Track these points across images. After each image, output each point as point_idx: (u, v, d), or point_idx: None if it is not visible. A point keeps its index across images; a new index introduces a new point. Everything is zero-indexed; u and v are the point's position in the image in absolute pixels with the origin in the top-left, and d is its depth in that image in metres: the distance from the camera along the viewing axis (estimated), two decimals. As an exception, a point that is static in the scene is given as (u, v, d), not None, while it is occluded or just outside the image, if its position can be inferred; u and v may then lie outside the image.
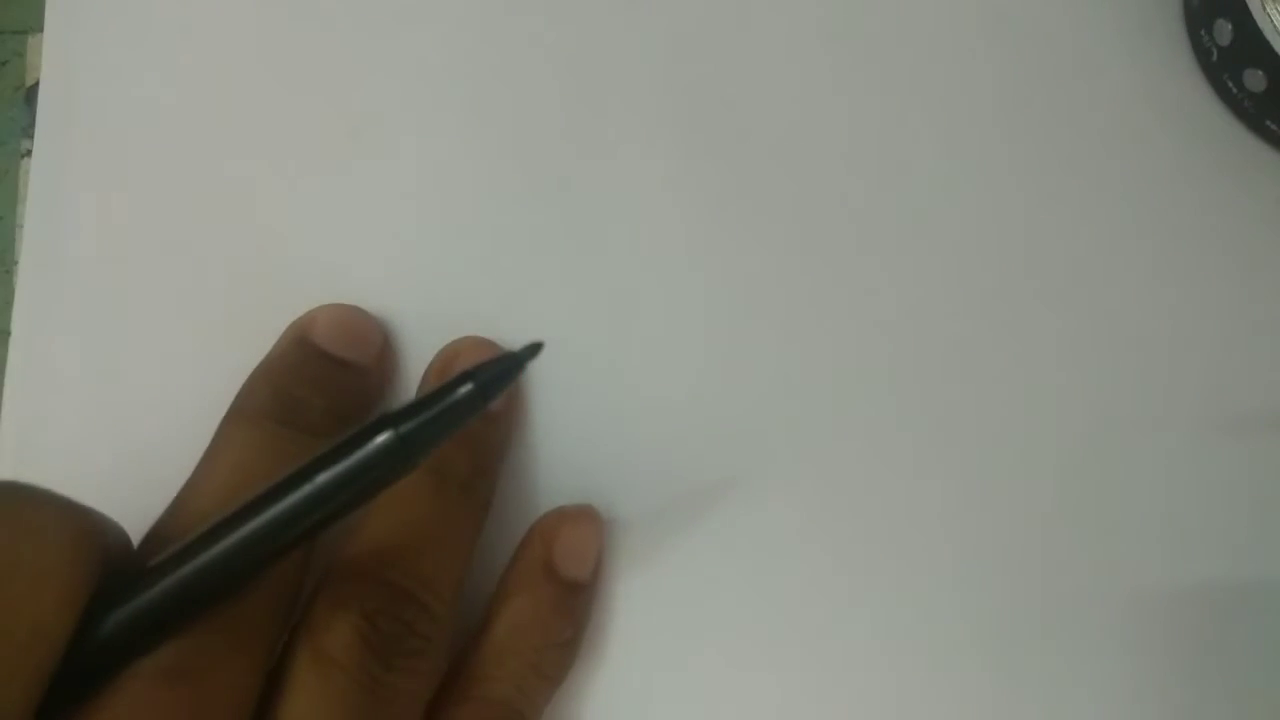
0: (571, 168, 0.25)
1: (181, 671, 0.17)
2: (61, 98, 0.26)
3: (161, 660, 0.17)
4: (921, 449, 0.24)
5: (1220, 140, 0.25)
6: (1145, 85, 0.25)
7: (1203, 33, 0.24)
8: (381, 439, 0.18)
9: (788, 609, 0.24)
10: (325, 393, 0.22)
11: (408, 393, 0.25)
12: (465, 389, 0.18)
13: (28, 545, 0.17)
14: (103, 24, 0.26)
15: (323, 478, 0.18)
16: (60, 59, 0.26)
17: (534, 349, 0.18)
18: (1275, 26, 0.22)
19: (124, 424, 0.25)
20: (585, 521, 0.23)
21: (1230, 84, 0.24)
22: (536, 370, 0.24)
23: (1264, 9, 0.22)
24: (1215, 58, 0.24)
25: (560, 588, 0.22)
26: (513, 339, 0.24)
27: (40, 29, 0.26)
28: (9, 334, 0.25)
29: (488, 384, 0.18)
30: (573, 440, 0.24)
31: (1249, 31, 0.22)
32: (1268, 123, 0.24)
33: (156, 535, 0.20)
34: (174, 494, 0.21)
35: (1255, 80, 0.23)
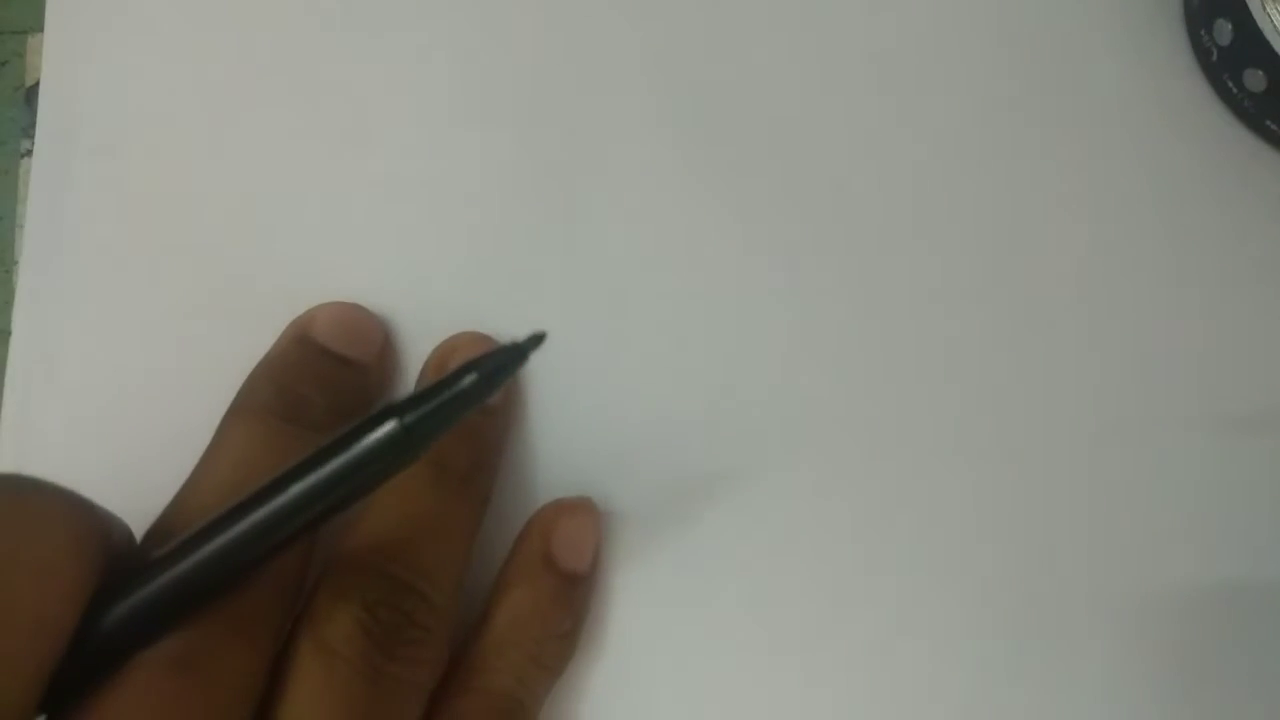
0: (571, 165, 0.25)
1: (186, 661, 0.17)
2: (61, 98, 0.26)
3: (166, 650, 0.17)
4: (924, 444, 0.24)
5: (1220, 140, 0.25)
6: (1145, 85, 0.25)
7: (1203, 33, 0.24)
8: (386, 429, 0.17)
9: (785, 601, 0.24)
10: (326, 390, 0.22)
11: (408, 390, 0.25)
12: (469, 379, 0.18)
13: (32, 537, 0.17)
14: (103, 24, 0.26)
15: (327, 468, 0.18)
16: (60, 59, 0.26)
17: (537, 339, 0.18)
18: (1275, 26, 0.22)
19: (124, 424, 0.25)
20: (583, 513, 0.23)
21: (1230, 84, 0.24)
22: (536, 365, 0.24)
23: (1264, 9, 0.22)
24: (1215, 58, 0.24)
25: (559, 579, 0.23)
26: (512, 335, 0.24)
27: (40, 29, 0.26)
28: (9, 334, 0.25)
29: (492, 374, 0.18)
30: (571, 435, 0.24)
31: (1249, 31, 0.22)
32: (1268, 123, 0.24)
33: (158, 531, 0.20)
34: (174, 494, 0.21)
35: (1255, 80, 0.23)
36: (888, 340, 0.24)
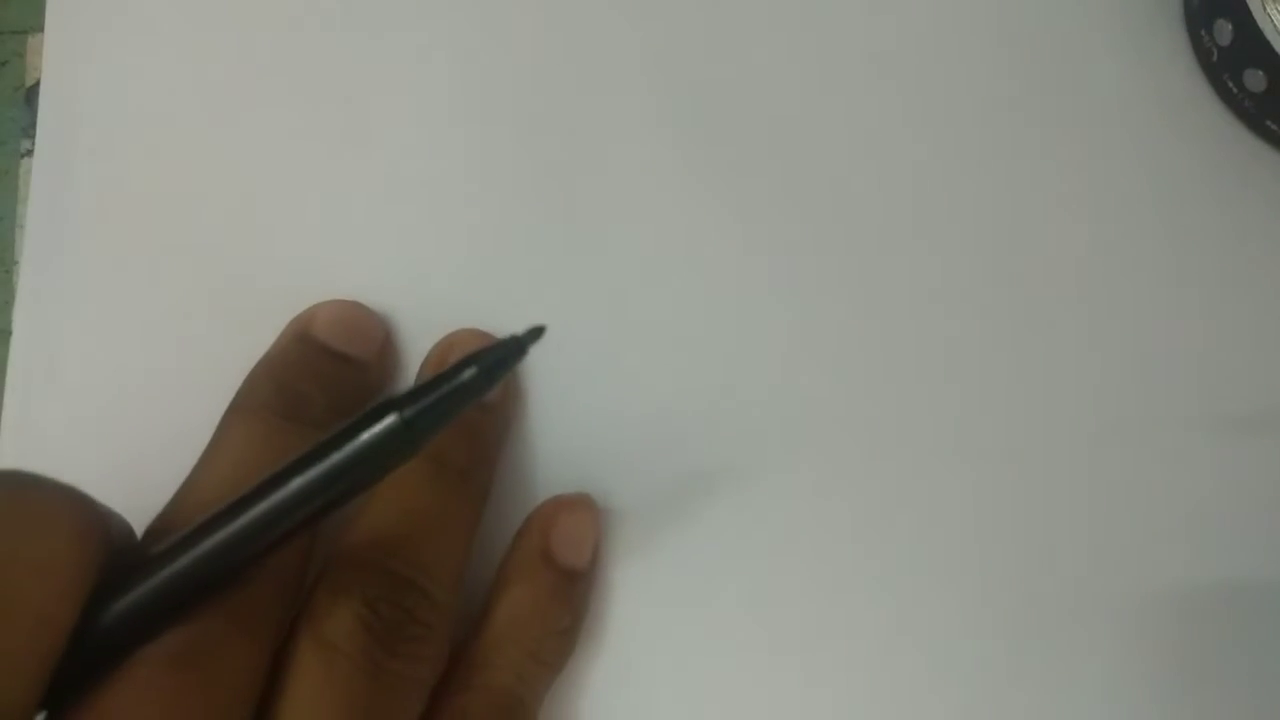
0: (571, 165, 0.25)
1: (187, 657, 0.17)
2: (61, 98, 0.26)
3: (167, 646, 0.17)
4: (924, 444, 0.24)
5: (1221, 140, 0.25)
6: (1145, 85, 0.25)
7: (1203, 33, 0.24)
8: (386, 423, 0.17)
9: (784, 598, 0.24)
10: (327, 387, 0.23)
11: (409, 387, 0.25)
12: (469, 372, 0.18)
13: (32, 533, 0.17)
14: (103, 24, 0.26)
15: (327, 462, 0.18)
16: (60, 59, 0.26)
17: (536, 332, 0.18)
18: (1276, 26, 0.22)
19: (124, 423, 0.25)
20: (582, 510, 0.23)
21: (1230, 84, 0.24)
22: (536, 363, 0.24)
23: (1264, 9, 0.22)
24: (1216, 58, 0.24)
25: (558, 576, 0.23)
26: (512, 333, 0.24)
27: (40, 29, 0.26)
28: (9, 334, 0.25)
29: (491, 367, 0.18)
30: (571, 432, 0.24)
31: (1249, 31, 0.22)
32: (1268, 123, 0.24)
33: (158, 529, 0.20)
34: (174, 493, 0.21)
35: (1255, 80, 0.23)
36: (888, 340, 0.24)
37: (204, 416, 0.22)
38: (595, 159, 0.25)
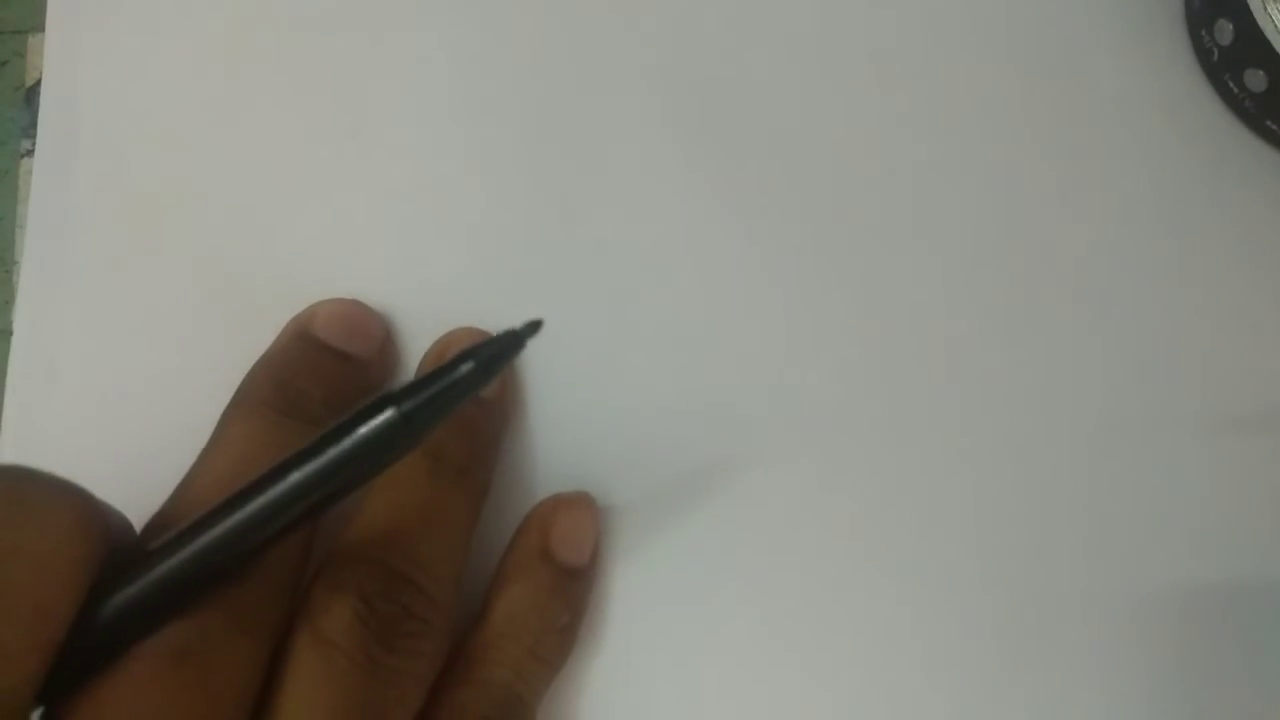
0: (571, 165, 0.25)
1: (185, 652, 0.17)
2: (61, 98, 0.26)
3: (165, 641, 0.17)
4: (924, 444, 0.24)
5: (1221, 140, 0.25)
6: (1146, 85, 0.25)
7: (1204, 33, 0.24)
8: (383, 417, 0.17)
9: (784, 596, 0.24)
10: (326, 385, 0.23)
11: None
12: (466, 366, 0.18)
13: (31, 527, 0.17)
14: (103, 24, 0.26)
15: (325, 456, 0.18)
16: (60, 59, 0.26)
17: (534, 326, 0.18)
18: (1276, 26, 0.22)
19: (124, 423, 0.25)
20: (581, 508, 0.23)
21: (1231, 84, 0.24)
22: (535, 361, 0.24)
23: (1265, 9, 0.22)
24: (1216, 58, 0.24)
25: (557, 573, 0.23)
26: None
27: (40, 29, 0.26)
28: (9, 333, 0.25)
29: (489, 361, 0.18)
30: (570, 430, 0.24)
31: (1250, 31, 0.22)
32: (1268, 123, 0.24)
33: (158, 525, 0.20)
34: (174, 489, 0.21)
35: (1256, 80, 0.23)
36: (888, 339, 0.24)
37: (204, 415, 0.22)
38: (595, 158, 0.25)
